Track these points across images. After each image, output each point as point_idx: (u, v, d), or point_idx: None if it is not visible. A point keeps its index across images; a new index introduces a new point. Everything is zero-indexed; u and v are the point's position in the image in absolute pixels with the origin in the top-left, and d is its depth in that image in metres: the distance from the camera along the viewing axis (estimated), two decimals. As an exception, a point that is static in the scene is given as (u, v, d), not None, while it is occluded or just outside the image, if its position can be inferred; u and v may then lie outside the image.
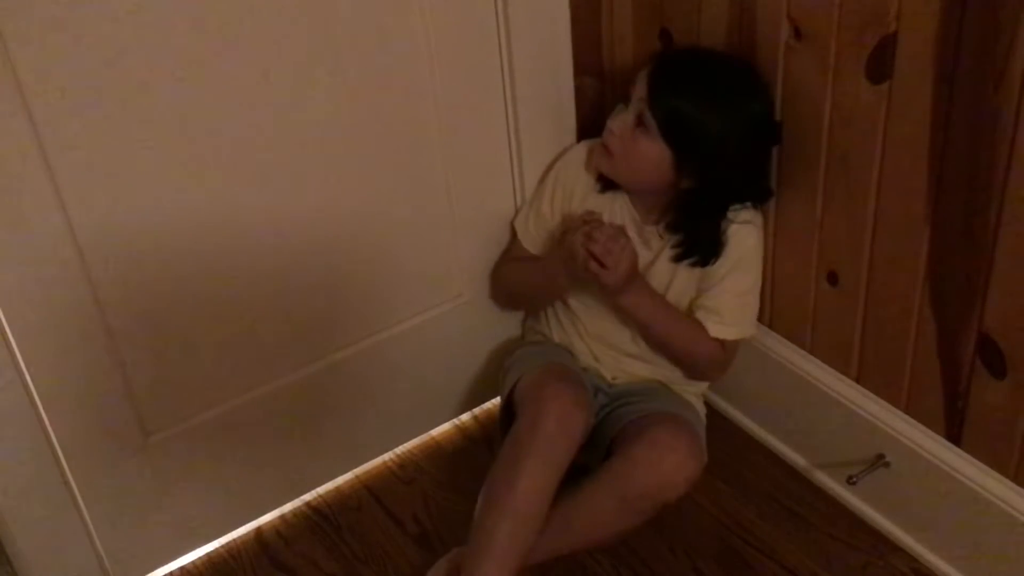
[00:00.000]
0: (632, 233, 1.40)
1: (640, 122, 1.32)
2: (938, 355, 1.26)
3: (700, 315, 1.40)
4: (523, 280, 1.56)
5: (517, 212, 1.56)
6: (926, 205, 1.19)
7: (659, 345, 1.44)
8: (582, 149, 1.50)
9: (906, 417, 1.35)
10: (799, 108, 1.31)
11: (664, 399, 1.45)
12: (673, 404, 1.44)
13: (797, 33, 1.26)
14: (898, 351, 1.31)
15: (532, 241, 1.53)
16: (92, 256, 1.23)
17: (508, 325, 1.65)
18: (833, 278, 1.37)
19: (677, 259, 1.39)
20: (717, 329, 1.40)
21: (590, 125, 1.57)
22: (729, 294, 1.39)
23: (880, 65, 1.17)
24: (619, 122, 1.35)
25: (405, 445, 1.67)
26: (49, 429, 1.28)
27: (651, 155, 1.32)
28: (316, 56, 1.29)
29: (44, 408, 1.27)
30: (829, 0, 1.20)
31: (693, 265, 1.38)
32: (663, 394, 1.46)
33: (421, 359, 1.60)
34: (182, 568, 1.52)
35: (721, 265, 1.38)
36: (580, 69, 1.52)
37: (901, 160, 1.20)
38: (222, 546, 1.54)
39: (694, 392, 1.50)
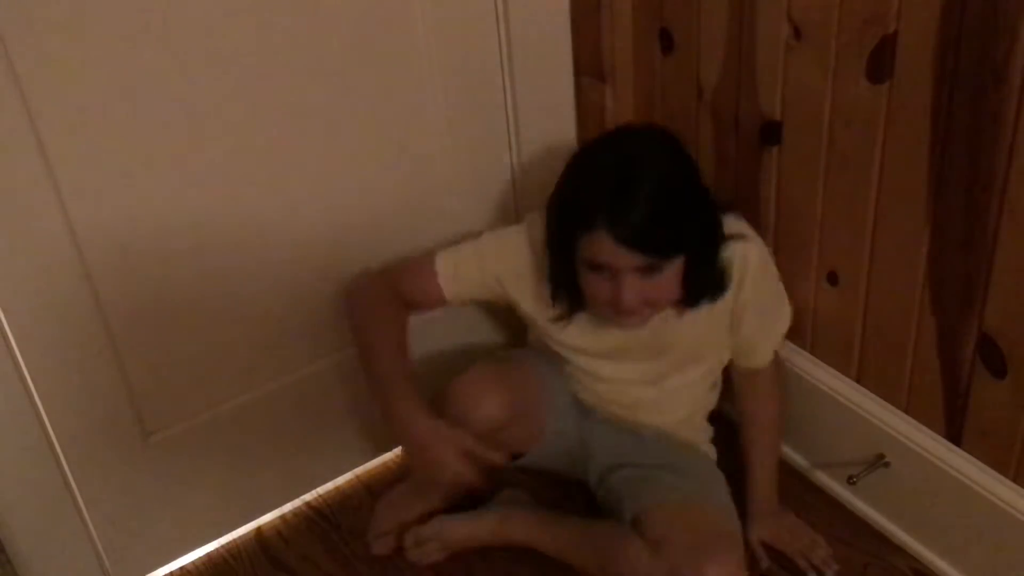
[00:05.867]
0: (588, 321, 1.35)
1: (650, 273, 1.22)
2: (938, 355, 1.26)
3: (751, 361, 1.40)
4: (373, 352, 1.34)
5: (447, 249, 1.40)
6: (926, 205, 1.19)
7: None
8: (521, 243, 1.37)
9: (906, 417, 1.35)
10: (799, 108, 1.31)
11: (687, 468, 1.40)
12: (699, 480, 1.39)
13: (797, 33, 1.26)
14: (898, 351, 1.31)
15: (450, 287, 1.39)
16: (92, 256, 1.23)
17: (508, 326, 1.65)
18: (833, 278, 1.37)
19: (690, 307, 1.31)
20: (761, 359, 1.40)
21: (590, 125, 1.57)
22: (768, 331, 1.38)
23: (880, 65, 1.17)
24: (632, 293, 1.22)
25: (405, 445, 1.67)
26: (49, 429, 1.28)
27: (676, 277, 1.25)
28: (315, 57, 1.29)
29: (44, 408, 1.27)
30: (829, 0, 1.20)
31: (711, 301, 1.31)
32: (682, 458, 1.42)
33: (421, 359, 1.60)
34: (182, 568, 1.52)
35: (741, 303, 1.33)
36: (580, 69, 1.52)
37: (901, 160, 1.20)
38: (222, 546, 1.54)
39: (705, 436, 1.47)
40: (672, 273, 1.23)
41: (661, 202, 1.18)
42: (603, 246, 1.18)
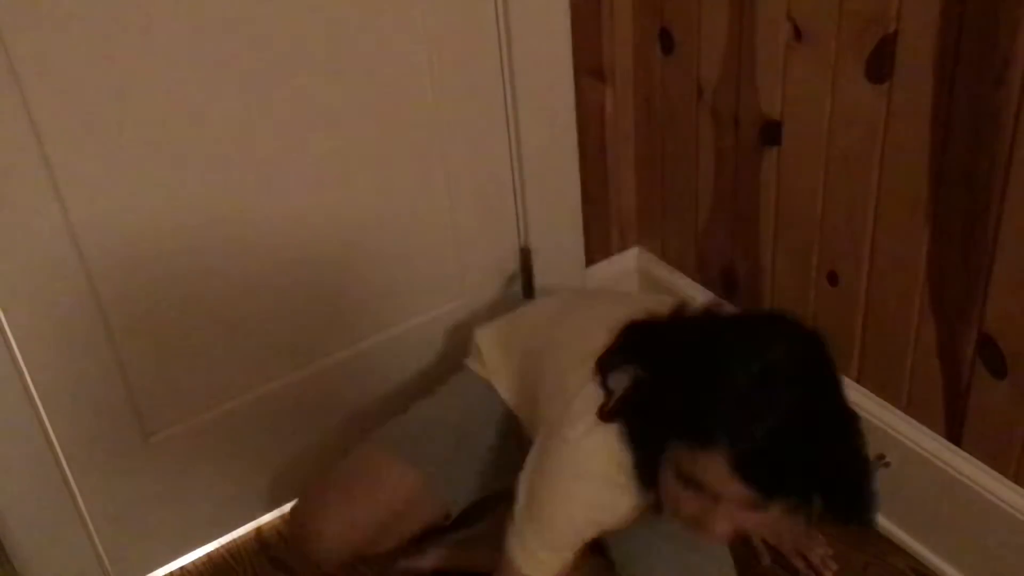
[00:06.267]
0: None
1: (754, 508, 1.02)
2: (938, 355, 1.26)
3: None
4: None
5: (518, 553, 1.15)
6: (926, 205, 1.19)
7: None
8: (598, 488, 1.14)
9: (906, 417, 1.35)
10: (799, 108, 1.31)
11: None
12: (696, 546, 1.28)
13: (797, 33, 1.26)
14: (898, 351, 1.31)
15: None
16: (92, 256, 1.23)
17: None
18: (833, 278, 1.37)
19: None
20: None
21: (590, 125, 1.57)
22: None
23: (880, 65, 1.17)
24: (727, 524, 1.03)
25: (405, 445, 1.67)
26: (49, 429, 1.28)
27: (785, 514, 1.06)
28: (315, 58, 1.29)
29: (44, 408, 1.27)
30: (829, 0, 1.20)
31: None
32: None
33: (421, 360, 1.60)
34: (182, 568, 1.52)
35: None
36: (580, 69, 1.52)
37: (901, 160, 1.20)
38: (222, 546, 1.54)
39: None
40: (780, 510, 1.03)
41: (798, 436, 0.96)
42: (715, 471, 0.98)
